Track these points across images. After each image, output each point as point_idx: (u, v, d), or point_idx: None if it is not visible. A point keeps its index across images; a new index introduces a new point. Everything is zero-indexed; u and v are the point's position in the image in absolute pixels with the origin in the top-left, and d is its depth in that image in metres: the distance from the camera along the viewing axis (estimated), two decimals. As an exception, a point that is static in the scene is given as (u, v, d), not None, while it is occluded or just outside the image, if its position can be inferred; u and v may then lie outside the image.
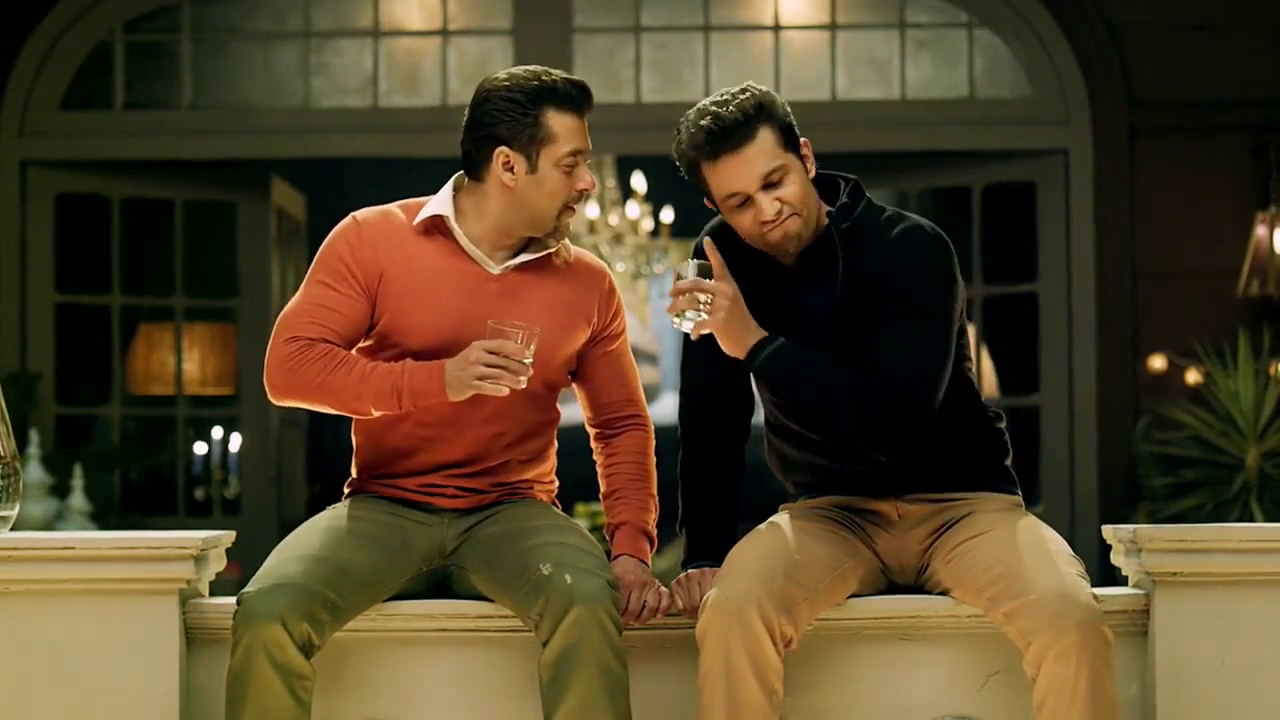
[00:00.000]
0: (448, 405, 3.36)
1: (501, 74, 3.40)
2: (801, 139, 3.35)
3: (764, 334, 3.30)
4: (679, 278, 3.29)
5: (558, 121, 3.36)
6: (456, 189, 3.46)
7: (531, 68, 3.40)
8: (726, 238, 3.39)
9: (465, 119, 3.40)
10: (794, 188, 3.32)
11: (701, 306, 3.26)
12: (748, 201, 3.32)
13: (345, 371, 3.32)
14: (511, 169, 3.36)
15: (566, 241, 3.50)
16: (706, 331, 3.29)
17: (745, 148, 3.29)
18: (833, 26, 7.66)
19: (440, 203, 3.44)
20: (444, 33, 7.71)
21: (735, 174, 3.31)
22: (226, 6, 7.80)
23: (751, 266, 3.38)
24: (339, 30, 7.76)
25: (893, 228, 3.37)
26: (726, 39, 7.74)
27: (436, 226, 3.43)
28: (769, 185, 3.30)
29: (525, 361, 3.25)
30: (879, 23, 7.70)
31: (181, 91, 7.72)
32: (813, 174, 3.38)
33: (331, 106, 7.74)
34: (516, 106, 3.35)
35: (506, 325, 3.27)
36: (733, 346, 3.31)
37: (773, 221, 3.31)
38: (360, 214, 3.46)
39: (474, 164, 3.41)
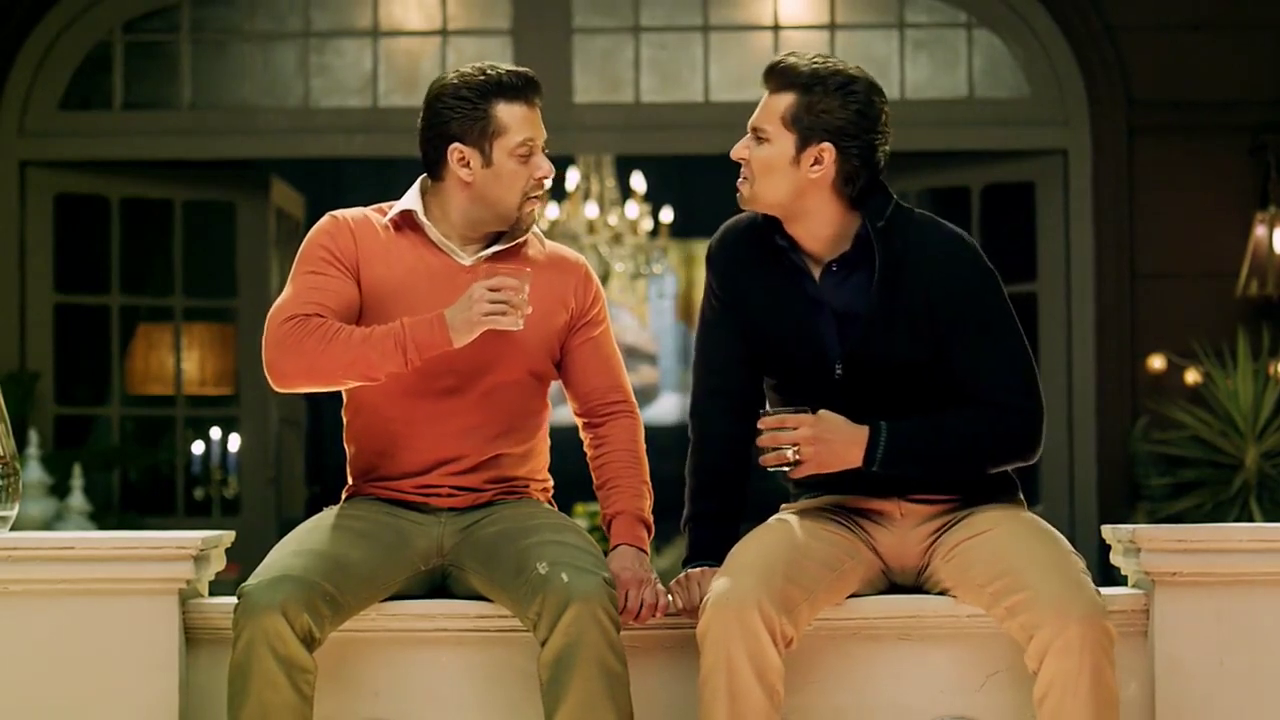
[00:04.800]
0: (431, 398, 3.41)
1: (450, 74, 3.46)
2: (823, 145, 3.31)
3: (863, 430, 3.31)
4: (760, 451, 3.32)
5: (507, 113, 3.41)
6: (423, 191, 3.52)
7: (478, 64, 3.46)
8: (745, 238, 3.42)
9: (419, 122, 3.45)
10: (763, 159, 3.34)
11: (791, 455, 3.30)
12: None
13: (345, 337, 3.34)
14: (467, 164, 3.42)
15: (537, 230, 3.54)
16: (812, 473, 3.33)
17: (765, 93, 3.35)
18: (832, 26, 7.66)
19: (409, 200, 3.50)
20: (443, 33, 7.72)
21: (759, 107, 3.38)
22: (226, 7, 7.80)
23: (768, 263, 3.39)
24: (338, 30, 7.76)
25: (932, 234, 3.38)
26: (726, 39, 7.74)
27: (407, 222, 3.48)
28: (755, 133, 3.36)
29: (523, 297, 3.29)
30: (878, 23, 7.70)
31: (181, 92, 7.72)
32: (815, 178, 3.32)
33: (331, 107, 7.74)
34: (465, 103, 3.40)
35: (499, 266, 3.32)
36: (849, 463, 3.32)
37: (735, 161, 3.39)
38: (336, 212, 3.53)
39: (432, 164, 3.47)
